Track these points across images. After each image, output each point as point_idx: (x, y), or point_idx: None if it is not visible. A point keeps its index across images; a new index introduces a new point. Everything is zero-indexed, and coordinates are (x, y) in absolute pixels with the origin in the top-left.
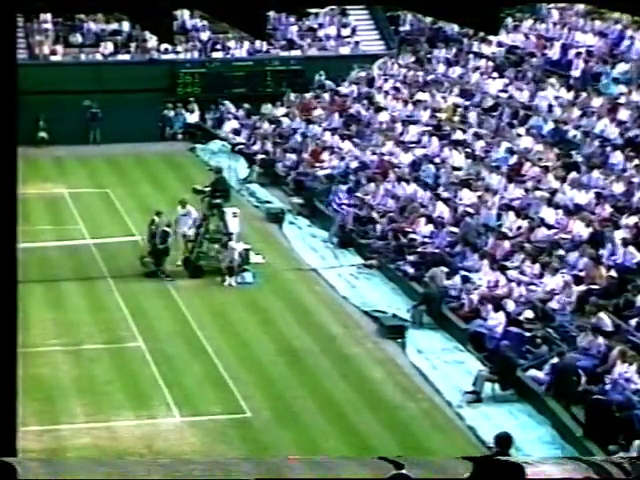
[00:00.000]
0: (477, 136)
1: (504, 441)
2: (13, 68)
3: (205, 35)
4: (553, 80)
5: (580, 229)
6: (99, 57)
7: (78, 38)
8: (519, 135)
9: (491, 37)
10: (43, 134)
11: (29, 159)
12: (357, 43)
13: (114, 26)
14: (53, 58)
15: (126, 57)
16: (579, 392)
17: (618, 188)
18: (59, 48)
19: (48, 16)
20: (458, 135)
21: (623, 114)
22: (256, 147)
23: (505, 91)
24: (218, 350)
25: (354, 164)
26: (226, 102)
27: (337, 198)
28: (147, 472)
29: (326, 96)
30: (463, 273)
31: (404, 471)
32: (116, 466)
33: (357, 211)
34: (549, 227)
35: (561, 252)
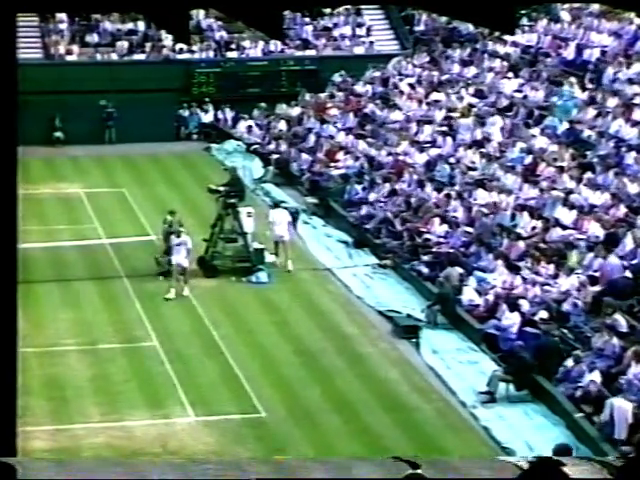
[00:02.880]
0: (492, 136)
1: (562, 452)
2: (13, 68)
3: (220, 35)
4: (568, 80)
5: (595, 229)
6: (115, 57)
7: (94, 38)
8: (534, 135)
9: (506, 37)
10: (59, 134)
11: (45, 159)
12: (372, 43)
13: (130, 26)
14: (69, 58)
15: (141, 57)
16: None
17: (633, 189)
18: (75, 48)
19: (64, 16)
20: (473, 135)
21: (638, 114)
22: (271, 147)
23: (520, 91)
24: (233, 350)
25: (369, 164)
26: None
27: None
28: (161, 472)
29: (341, 95)
30: (478, 274)
31: (420, 471)
32: (130, 466)
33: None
34: (564, 227)
35: (578, 251)
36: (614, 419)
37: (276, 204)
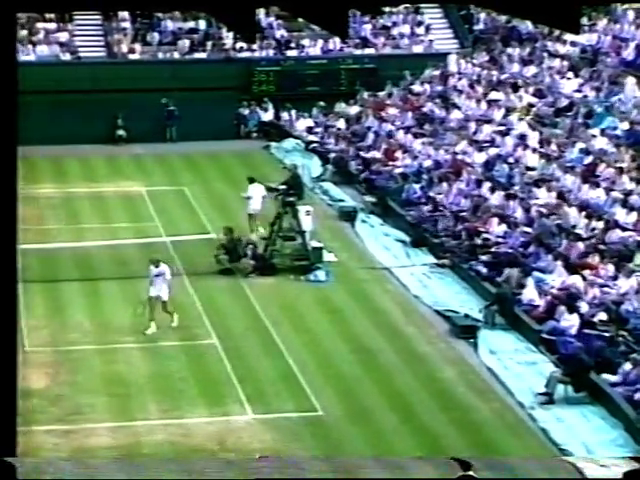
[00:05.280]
0: (551, 136)
1: None
2: (13, 68)
3: (280, 33)
4: (628, 80)
5: None
6: (176, 55)
7: (155, 36)
8: (593, 136)
9: (566, 36)
10: (121, 132)
11: (108, 157)
12: (431, 41)
13: (191, 24)
14: (131, 56)
15: (202, 55)
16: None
17: None
18: (137, 46)
19: (126, 15)
20: (532, 135)
21: None
22: (330, 145)
23: (580, 91)
24: (291, 348)
25: (427, 163)
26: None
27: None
28: (218, 470)
29: (399, 94)
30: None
31: (471, 472)
32: (188, 464)
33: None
34: (624, 229)
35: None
36: None
37: (252, 179)
